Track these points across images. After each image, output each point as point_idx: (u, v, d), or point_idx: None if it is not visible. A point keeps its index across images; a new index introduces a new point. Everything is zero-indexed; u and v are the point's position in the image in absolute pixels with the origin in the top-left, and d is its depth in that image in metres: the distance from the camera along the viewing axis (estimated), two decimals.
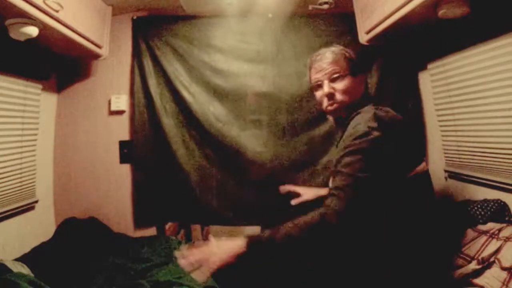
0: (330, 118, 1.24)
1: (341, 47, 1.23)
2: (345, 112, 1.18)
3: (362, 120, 1.04)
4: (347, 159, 0.98)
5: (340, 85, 1.16)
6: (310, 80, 1.26)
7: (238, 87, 2.03)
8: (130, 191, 2.08)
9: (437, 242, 1.14)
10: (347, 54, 1.20)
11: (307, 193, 1.57)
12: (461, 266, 1.23)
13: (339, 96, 1.16)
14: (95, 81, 2.11)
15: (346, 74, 1.17)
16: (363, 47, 1.94)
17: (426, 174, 1.12)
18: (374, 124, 1.00)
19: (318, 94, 1.21)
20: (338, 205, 0.93)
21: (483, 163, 1.57)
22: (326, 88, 1.17)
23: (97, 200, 2.07)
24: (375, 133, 0.98)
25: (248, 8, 1.99)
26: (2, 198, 1.60)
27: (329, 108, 1.19)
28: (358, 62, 1.21)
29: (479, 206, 1.41)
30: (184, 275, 1.45)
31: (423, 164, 1.11)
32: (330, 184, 1.17)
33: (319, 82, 1.20)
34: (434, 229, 1.11)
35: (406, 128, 1.09)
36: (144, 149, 2.03)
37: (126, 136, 2.09)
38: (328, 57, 1.18)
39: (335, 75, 1.16)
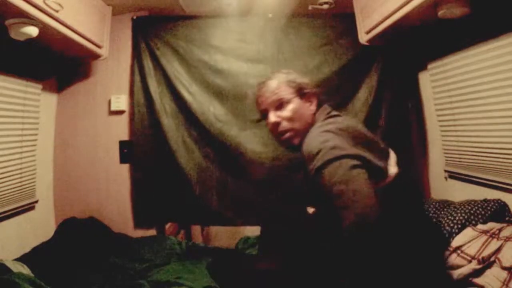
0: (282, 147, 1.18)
1: (285, 72, 1.18)
2: (298, 139, 1.09)
3: (311, 148, 0.96)
4: (331, 193, 0.89)
5: (286, 112, 1.10)
6: (259, 112, 1.20)
7: (238, 87, 2.03)
8: (130, 191, 2.07)
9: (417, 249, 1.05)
10: (289, 77, 1.15)
11: None
12: (461, 266, 1.23)
13: (286, 124, 1.09)
14: (95, 81, 2.11)
15: (291, 98, 1.11)
16: (363, 47, 1.95)
17: (395, 183, 1.02)
18: (324, 138, 0.94)
19: (268, 125, 1.15)
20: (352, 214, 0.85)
21: (483, 163, 1.57)
22: (271, 118, 1.11)
23: (97, 200, 2.07)
24: (329, 144, 0.92)
25: (248, 8, 2.00)
26: (2, 198, 1.60)
27: (280, 138, 1.13)
28: (303, 82, 1.15)
29: (479, 206, 1.41)
30: (184, 275, 1.45)
31: (392, 172, 1.03)
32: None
33: (265, 112, 1.14)
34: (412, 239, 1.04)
35: (356, 129, 1.03)
36: (144, 149, 2.03)
37: (126, 136, 2.09)
38: (270, 86, 1.13)
39: (279, 102, 1.11)
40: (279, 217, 1.77)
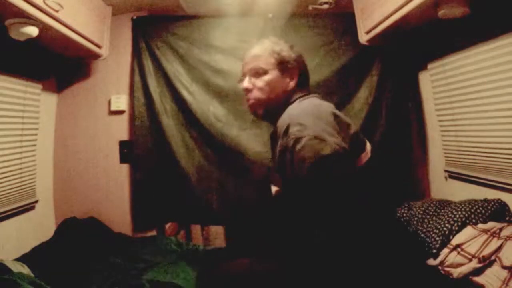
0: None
1: (273, 41, 1.14)
2: (261, 109, 1.10)
3: (288, 121, 0.94)
4: (292, 171, 0.89)
5: (260, 81, 1.08)
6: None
7: (238, 87, 2.01)
8: (130, 191, 2.07)
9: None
10: (276, 48, 1.11)
11: None
12: (462, 264, 1.24)
13: (255, 93, 1.09)
14: (95, 81, 2.10)
15: (269, 69, 1.08)
16: (363, 47, 1.95)
17: (370, 163, 1.04)
18: (302, 123, 0.90)
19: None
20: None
21: (483, 163, 1.57)
22: (244, 83, 1.11)
23: (97, 200, 2.07)
24: (309, 133, 0.88)
25: (248, 8, 1.99)
26: (2, 198, 1.60)
27: (247, 104, 1.13)
28: (290, 57, 1.11)
29: (479, 205, 1.41)
30: (183, 275, 1.45)
31: (366, 151, 1.03)
32: (272, 190, 1.14)
33: (243, 77, 1.14)
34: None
35: (335, 113, 0.97)
36: (144, 149, 2.03)
37: (126, 136, 2.09)
38: (253, 51, 1.12)
39: (256, 70, 1.09)
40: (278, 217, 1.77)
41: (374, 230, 0.95)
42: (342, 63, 2.03)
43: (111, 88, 2.09)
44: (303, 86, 1.13)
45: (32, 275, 1.35)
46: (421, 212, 1.61)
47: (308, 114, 0.94)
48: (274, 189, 1.28)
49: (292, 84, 1.10)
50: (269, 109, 1.09)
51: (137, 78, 2.03)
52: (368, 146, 1.08)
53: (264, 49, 1.11)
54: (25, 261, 1.50)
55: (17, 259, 1.53)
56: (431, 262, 1.37)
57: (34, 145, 1.83)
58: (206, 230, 2.60)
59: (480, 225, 1.33)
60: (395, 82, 2.02)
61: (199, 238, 2.55)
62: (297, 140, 0.88)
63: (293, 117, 0.95)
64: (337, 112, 0.99)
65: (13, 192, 1.66)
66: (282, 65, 1.09)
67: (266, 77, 1.08)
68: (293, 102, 1.07)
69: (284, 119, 0.98)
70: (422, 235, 1.48)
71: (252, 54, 1.11)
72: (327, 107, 1.00)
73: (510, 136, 1.39)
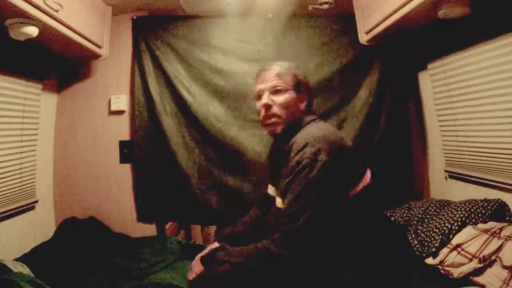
0: (265, 132, 1.22)
1: (292, 64, 1.23)
2: (280, 128, 1.14)
3: (307, 140, 1.02)
4: (298, 188, 0.99)
5: (280, 98, 1.14)
6: (255, 90, 1.23)
7: (238, 87, 2.03)
8: (130, 191, 2.07)
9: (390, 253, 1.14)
10: (294, 71, 1.19)
11: None
12: (462, 264, 1.24)
13: (276, 109, 1.13)
14: (95, 81, 2.10)
15: (288, 89, 1.15)
16: (363, 47, 1.95)
17: (366, 190, 1.08)
18: (321, 146, 0.99)
19: (258, 104, 1.19)
20: (289, 239, 0.96)
21: (483, 163, 1.57)
22: (265, 99, 1.14)
23: (97, 200, 2.07)
24: (323, 157, 0.98)
25: (248, 8, 1.99)
26: (2, 198, 1.60)
27: (265, 121, 1.17)
28: (304, 81, 1.20)
29: (479, 205, 1.41)
30: (183, 275, 1.45)
31: (364, 180, 1.08)
32: (278, 203, 1.18)
33: (260, 93, 1.18)
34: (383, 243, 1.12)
35: (348, 146, 1.08)
36: (144, 149, 2.03)
37: (126, 136, 2.09)
38: (274, 69, 1.17)
39: (277, 88, 1.14)
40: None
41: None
42: (342, 63, 2.03)
43: (111, 88, 2.09)
44: (311, 109, 1.22)
45: (32, 275, 1.35)
46: (421, 212, 1.61)
47: (324, 138, 1.02)
48: (271, 189, 1.30)
49: (303, 106, 1.19)
50: (286, 128, 1.14)
51: (137, 78, 2.03)
52: (368, 174, 1.13)
53: (285, 69, 1.18)
54: (25, 261, 1.50)
55: (17, 259, 1.53)
56: (430, 261, 1.37)
57: (34, 145, 1.83)
58: (206, 230, 2.60)
59: (480, 225, 1.33)
60: (395, 82, 2.02)
61: (199, 238, 2.55)
62: (312, 161, 0.98)
63: (311, 137, 1.03)
64: (344, 136, 1.12)
65: (13, 192, 1.66)
66: (298, 86, 1.18)
67: (285, 96, 1.15)
68: (307, 123, 1.15)
69: (301, 138, 1.05)
70: (422, 234, 1.49)
71: (274, 72, 1.17)
72: (338, 132, 1.12)
73: (510, 136, 1.39)
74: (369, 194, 1.08)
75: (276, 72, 1.16)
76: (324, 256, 1.00)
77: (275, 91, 1.15)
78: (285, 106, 1.13)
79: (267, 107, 1.14)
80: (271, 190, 1.35)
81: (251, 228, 1.41)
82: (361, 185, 1.05)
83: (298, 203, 0.98)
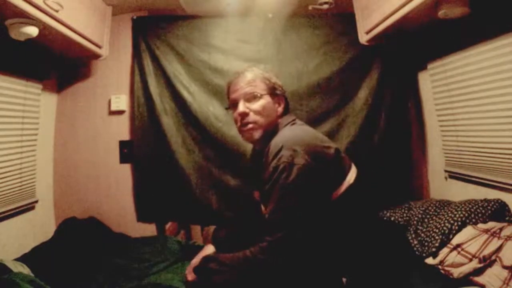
0: (243, 139, 1.20)
1: (262, 68, 1.22)
2: (258, 134, 1.13)
3: (282, 143, 1.00)
4: (276, 195, 0.98)
5: (255, 105, 1.12)
6: (228, 100, 1.21)
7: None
8: (130, 191, 2.07)
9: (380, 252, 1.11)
10: (266, 75, 1.18)
11: None
12: (463, 264, 1.24)
13: (253, 116, 1.12)
14: (95, 81, 2.10)
15: (263, 94, 1.13)
16: (363, 47, 1.95)
17: (351, 190, 1.06)
18: (297, 149, 0.98)
19: (235, 114, 1.16)
20: (271, 249, 0.95)
21: (483, 163, 1.57)
22: (240, 108, 1.12)
23: (97, 200, 2.07)
24: (299, 161, 0.96)
25: (248, 8, 2.00)
26: (2, 198, 1.60)
27: (242, 128, 1.15)
28: (278, 83, 1.19)
29: (479, 205, 1.41)
30: (182, 276, 1.45)
31: (348, 179, 1.06)
32: (263, 208, 1.17)
33: (234, 102, 1.15)
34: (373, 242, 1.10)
35: (325, 146, 1.05)
36: (144, 149, 2.02)
37: (126, 136, 2.09)
38: (246, 76, 1.16)
39: (252, 95, 1.13)
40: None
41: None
42: (342, 63, 2.03)
43: (111, 88, 2.09)
44: (287, 112, 1.21)
45: (32, 275, 1.35)
46: (421, 212, 1.61)
47: (300, 140, 1.01)
48: (256, 194, 1.30)
49: (280, 109, 1.18)
50: (265, 134, 1.14)
51: (137, 78, 2.03)
52: (353, 173, 1.10)
53: (256, 75, 1.17)
54: (25, 261, 1.50)
55: (17, 259, 1.53)
56: (430, 261, 1.37)
57: (34, 145, 1.83)
58: (206, 230, 2.60)
59: (480, 225, 1.33)
60: (395, 82, 2.02)
61: (199, 238, 2.55)
62: (289, 165, 0.96)
63: (286, 140, 1.01)
64: (321, 137, 1.10)
65: (13, 192, 1.66)
66: (273, 91, 1.16)
67: (261, 102, 1.14)
68: (284, 126, 1.14)
69: (276, 142, 1.03)
70: (422, 234, 1.49)
71: (246, 80, 1.15)
72: (315, 133, 1.10)
73: (510, 136, 1.39)
74: (355, 194, 1.06)
75: (248, 79, 1.15)
76: (314, 260, 0.99)
77: (250, 98, 1.13)
78: (262, 112, 1.12)
79: (244, 115, 1.12)
80: (256, 194, 1.33)
81: (245, 228, 1.40)
82: (344, 186, 1.04)
83: (278, 211, 0.97)
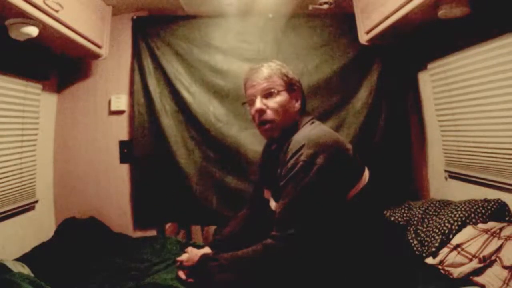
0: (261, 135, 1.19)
1: (278, 63, 1.17)
2: (277, 131, 1.11)
3: (304, 142, 0.99)
4: (292, 191, 0.96)
5: (273, 101, 1.09)
6: (245, 95, 1.19)
7: (238, 87, 2.02)
8: (130, 191, 2.07)
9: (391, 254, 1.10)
10: (283, 70, 1.14)
11: None
12: (463, 264, 1.24)
13: (270, 114, 1.09)
14: (95, 81, 2.10)
15: (280, 90, 1.10)
16: (363, 47, 1.95)
17: (366, 189, 1.05)
18: (318, 149, 0.96)
19: (252, 110, 1.14)
20: (284, 244, 0.94)
21: (483, 163, 1.57)
22: (258, 104, 1.10)
23: (97, 200, 2.07)
24: (320, 161, 0.95)
25: (248, 8, 2.00)
26: (2, 198, 1.59)
27: (260, 127, 1.13)
28: (295, 79, 1.16)
29: (479, 205, 1.41)
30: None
31: (363, 179, 1.05)
32: (272, 206, 1.16)
33: (252, 98, 1.13)
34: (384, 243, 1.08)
35: (344, 147, 1.04)
36: (144, 149, 2.02)
37: (126, 136, 2.09)
38: (262, 72, 1.12)
39: (269, 91, 1.10)
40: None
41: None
42: (342, 63, 2.03)
43: (111, 88, 2.09)
44: (305, 109, 1.18)
45: (32, 275, 1.35)
46: (421, 212, 1.61)
47: (322, 140, 0.99)
48: (267, 194, 1.29)
49: (297, 105, 1.15)
50: (283, 130, 1.11)
51: (137, 78, 2.03)
52: (366, 173, 1.10)
53: (273, 70, 1.14)
54: (25, 261, 1.49)
55: (17, 259, 1.53)
56: (430, 261, 1.37)
57: (34, 145, 1.83)
58: (206, 230, 2.60)
59: (480, 225, 1.33)
60: (395, 82, 2.02)
61: (199, 238, 2.55)
62: (309, 164, 0.95)
63: (308, 139, 0.99)
64: (340, 137, 1.07)
65: (13, 192, 1.66)
66: (290, 86, 1.13)
67: (278, 98, 1.11)
68: (304, 124, 1.11)
69: (298, 140, 1.01)
70: (422, 234, 1.49)
71: (263, 75, 1.12)
72: (335, 133, 1.08)
73: (510, 136, 1.39)
74: (369, 193, 1.06)
75: (265, 75, 1.12)
76: (327, 258, 0.98)
77: (268, 94, 1.10)
78: (279, 109, 1.09)
79: (261, 112, 1.10)
80: (264, 192, 1.31)
81: (241, 231, 1.38)
82: (361, 185, 1.04)
83: (292, 208, 0.96)
